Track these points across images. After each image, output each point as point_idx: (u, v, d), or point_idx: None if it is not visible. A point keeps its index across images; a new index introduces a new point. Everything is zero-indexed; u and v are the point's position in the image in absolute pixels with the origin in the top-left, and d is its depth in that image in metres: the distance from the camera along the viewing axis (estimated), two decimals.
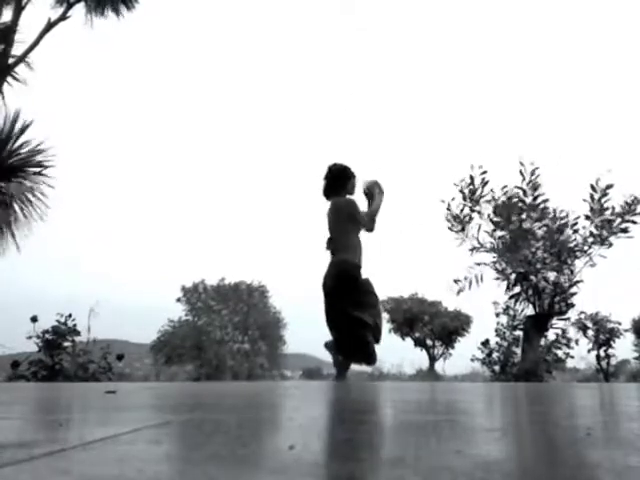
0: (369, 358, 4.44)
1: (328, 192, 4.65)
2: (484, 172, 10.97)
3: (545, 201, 10.98)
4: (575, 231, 10.85)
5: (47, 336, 7.56)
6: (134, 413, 1.66)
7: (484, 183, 11.02)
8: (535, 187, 10.94)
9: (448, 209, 11.11)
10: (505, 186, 11.07)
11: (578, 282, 10.97)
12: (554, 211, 11.01)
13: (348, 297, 4.28)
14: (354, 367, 4.92)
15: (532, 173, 10.88)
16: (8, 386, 5.26)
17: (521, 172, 10.92)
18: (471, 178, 11.03)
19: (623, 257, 11.59)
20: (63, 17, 10.42)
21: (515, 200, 10.98)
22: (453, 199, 11.07)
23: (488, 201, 11.04)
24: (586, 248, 10.81)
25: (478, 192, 11.04)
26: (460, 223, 11.07)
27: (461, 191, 11.05)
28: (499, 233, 11.13)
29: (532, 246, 10.98)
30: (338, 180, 4.62)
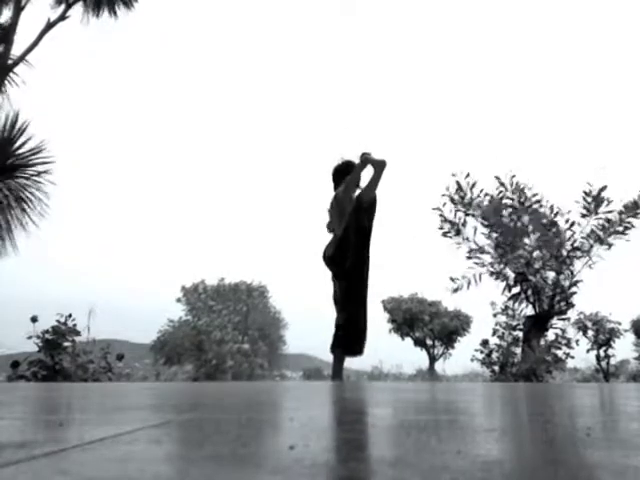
0: (356, 348, 4.50)
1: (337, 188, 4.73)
2: (467, 175, 11.05)
3: (535, 202, 10.98)
4: (571, 224, 10.86)
5: (47, 336, 7.55)
6: (134, 413, 1.66)
7: (472, 185, 11.08)
8: (521, 189, 11.01)
9: (441, 215, 11.14)
10: (482, 190, 11.13)
11: (578, 282, 10.98)
12: (545, 211, 11.04)
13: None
14: (353, 367, 4.93)
15: (512, 183, 11.01)
16: (8, 386, 5.25)
17: (502, 183, 11.06)
18: (458, 184, 11.07)
19: (623, 257, 11.59)
20: (62, 17, 10.43)
21: (503, 203, 11.04)
22: (445, 205, 11.12)
23: (478, 206, 11.07)
24: (585, 248, 10.81)
25: (468, 195, 11.09)
26: (455, 228, 11.10)
27: (450, 198, 11.11)
28: (495, 235, 11.14)
29: (527, 246, 10.99)
30: (343, 174, 4.68)
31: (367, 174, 4.51)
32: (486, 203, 11.03)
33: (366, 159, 4.47)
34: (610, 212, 10.50)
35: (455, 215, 11.10)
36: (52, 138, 9.14)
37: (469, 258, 11.12)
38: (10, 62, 9.82)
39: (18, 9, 9.93)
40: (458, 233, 11.11)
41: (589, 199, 10.52)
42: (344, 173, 4.67)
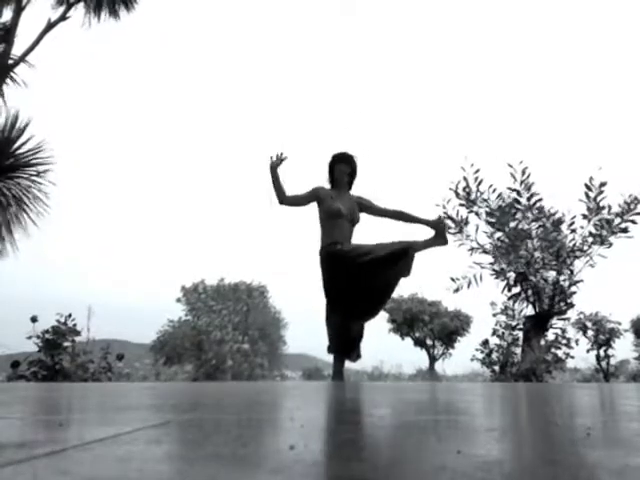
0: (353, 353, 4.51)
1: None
2: (477, 170, 10.93)
3: (539, 200, 10.93)
4: (573, 230, 10.84)
5: (47, 336, 7.55)
6: (134, 413, 1.66)
7: (479, 183, 10.98)
8: (528, 187, 10.91)
9: (444, 212, 11.08)
10: (491, 185, 11.01)
11: (578, 282, 10.97)
12: (549, 211, 10.99)
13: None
14: (353, 367, 4.94)
15: (523, 172, 10.86)
16: (8, 386, 5.25)
17: (512, 174, 10.90)
18: (465, 180, 10.98)
19: (623, 257, 11.58)
20: (63, 17, 10.43)
21: (509, 201, 10.94)
22: (449, 201, 11.04)
23: (484, 200, 10.98)
24: (586, 248, 10.80)
25: (473, 194, 11.00)
26: (457, 225, 11.05)
27: (456, 192, 11.01)
28: (497, 234, 11.10)
29: (530, 247, 10.96)
30: (330, 172, 4.62)
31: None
32: (494, 200, 10.93)
33: (441, 225, 4.50)
34: (610, 211, 10.47)
35: (457, 213, 11.06)
36: (52, 138, 9.15)
37: (471, 254, 11.09)
38: (10, 62, 9.82)
39: (19, 9, 9.93)
40: (460, 231, 11.08)
41: (592, 194, 10.45)
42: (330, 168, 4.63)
